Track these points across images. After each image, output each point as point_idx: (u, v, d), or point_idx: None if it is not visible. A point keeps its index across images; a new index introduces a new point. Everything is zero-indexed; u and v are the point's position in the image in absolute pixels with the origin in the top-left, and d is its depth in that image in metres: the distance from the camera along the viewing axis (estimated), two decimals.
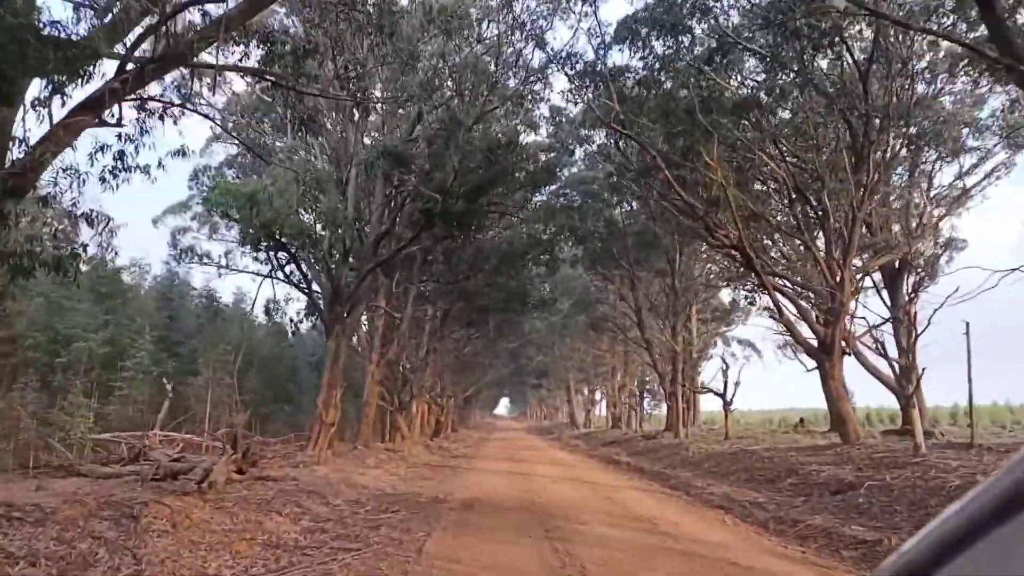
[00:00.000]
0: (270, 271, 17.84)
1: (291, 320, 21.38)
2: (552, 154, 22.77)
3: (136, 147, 7.71)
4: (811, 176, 15.53)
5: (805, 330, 17.08)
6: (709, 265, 29.66)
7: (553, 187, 30.30)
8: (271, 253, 16.88)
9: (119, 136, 7.55)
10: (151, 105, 8.33)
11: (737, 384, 23.35)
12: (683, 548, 6.42)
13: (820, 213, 15.34)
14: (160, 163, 8.22)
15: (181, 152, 8.84)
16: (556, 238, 28.25)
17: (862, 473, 11.70)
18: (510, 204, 20.89)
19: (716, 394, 23.88)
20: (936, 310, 12.90)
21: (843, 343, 15.64)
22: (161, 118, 8.25)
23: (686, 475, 16.05)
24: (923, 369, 12.80)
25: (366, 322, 26.93)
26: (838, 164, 14.69)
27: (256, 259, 18.42)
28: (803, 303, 17.21)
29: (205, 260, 23.15)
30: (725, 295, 33.30)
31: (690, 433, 27.18)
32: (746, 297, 26.35)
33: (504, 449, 29.37)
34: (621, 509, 9.76)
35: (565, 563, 5.76)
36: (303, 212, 16.79)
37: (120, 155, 7.57)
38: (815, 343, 16.67)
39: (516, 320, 34.69)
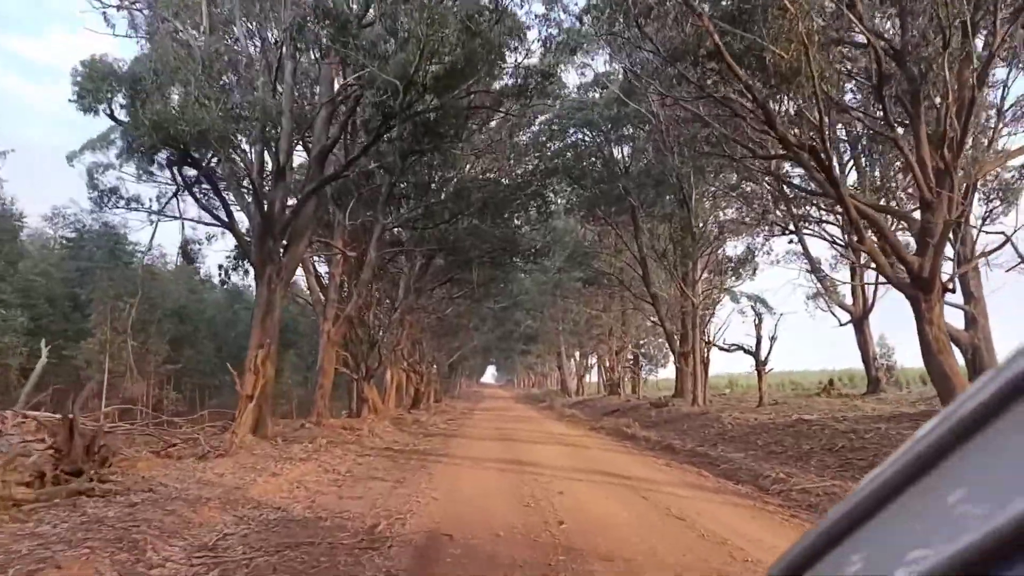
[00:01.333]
0: (164, 205, 13.47)
1: (220, 267, 17.03)
2: (547, 69, 18.27)
3: None
4: (911, 46, 11.35)
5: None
6: (726, 204, 25.62)
7: (545, 117, 26.23)
8: (174, 169, 12.46)
9: None
10: None
11: (773, 340, 19.48)
12: None
13: (922, 89, 11.21)
14: None
15: None
16: (548, 180, 24.20)
17: None
18: (499, 111, 16.55)
19: (747, 352, 20.02)
20: None
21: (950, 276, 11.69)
22: None
23: (736, 456, 12.07)
24: None
25: (327, 275, 22.73)
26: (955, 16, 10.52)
27: (152, 175, 14.02)
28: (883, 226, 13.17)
29: (132, 205, 18.84)
30: (730, 247, 28.97)
31: (708, 400, 23.53)
32: (783, 233, 22.25)
33: (492, 422, 25.30)
34: (716, 552, 5.44)
35: None
36: (220, 113, 12.31)
37: None
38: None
39: (503, 278, 30.69)
